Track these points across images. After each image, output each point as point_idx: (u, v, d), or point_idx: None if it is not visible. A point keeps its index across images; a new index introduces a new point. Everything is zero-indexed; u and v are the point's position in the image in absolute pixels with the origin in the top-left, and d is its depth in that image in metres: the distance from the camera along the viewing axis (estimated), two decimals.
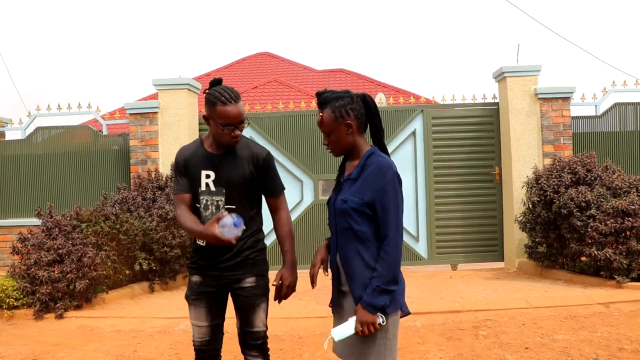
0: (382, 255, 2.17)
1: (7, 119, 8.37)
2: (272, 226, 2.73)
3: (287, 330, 4.75)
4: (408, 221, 7.43)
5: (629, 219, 5.56)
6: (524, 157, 7.17)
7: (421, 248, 7.60)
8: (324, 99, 2.31)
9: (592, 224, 5.70)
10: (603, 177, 6.15)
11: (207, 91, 2.54)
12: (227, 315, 2.73)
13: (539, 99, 7.24)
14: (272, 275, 2.59)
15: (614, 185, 5.96)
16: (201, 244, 2.59)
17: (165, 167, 7.34)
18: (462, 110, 7.73)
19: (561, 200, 6.01)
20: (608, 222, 5.61)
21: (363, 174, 2.25)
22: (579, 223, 5.80)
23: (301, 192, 7.69)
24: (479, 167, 7.59)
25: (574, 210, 5.86)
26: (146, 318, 5.31)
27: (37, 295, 5.41)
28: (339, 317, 2.34)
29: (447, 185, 7.58)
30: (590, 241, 5.79)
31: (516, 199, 7.06)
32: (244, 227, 2.45)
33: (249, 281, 2.61)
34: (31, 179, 8.03)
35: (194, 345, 2.71)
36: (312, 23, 42.05)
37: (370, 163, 2.26)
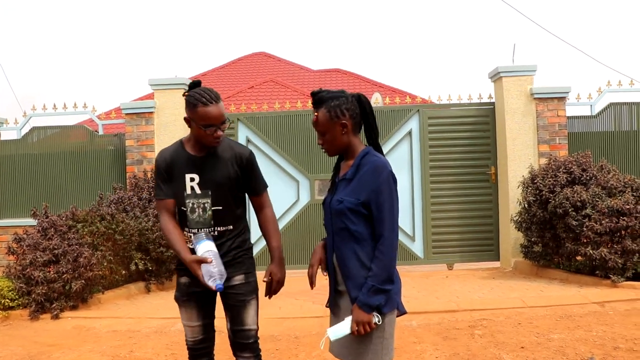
0: (377, 254, 2.18)
1: (2, 119, 8.34)
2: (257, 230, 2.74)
3: (283, 330, 4.75)
4: (404, 221, 7.44)
5: (624, 218, 5.58)
6: (520, 157, 7.19)
7: (417, 248, 7.61)
8: (319, 98, 2.31)
9: (587, 224, 5.72)
10: (598, 177, 6.17)
11: (186, 94, 2.54)
12: (219, 316, 2.72)
13: (534, 98, 7.26)
14: (259, 275, 2.61)
15: (609, 184, 5.98)
16: (190, 246, 2.59)
17: None
18: (458, 110, 7.75)
19: (557, 199, 6.03)
20: (603, 222, 5.63)
21: (358, 173, 2.26)
22: (574, 222, 5.82)
23: (297, 192, 7.69)
24: (474, 167, 7.60)
25: (570, 210, 5.88)
26: (142, 318, 5.30)
27: (33, 295, 5.39)
28: (336, 317, 2.34)
29: (443, 185, 7.60)
30: (585, 240, 5.82)
31: (512, 198, 7.08)
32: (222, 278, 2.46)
33: (238, 279, 2.61)
34: (27, 179, 8.00)
35: (187, 345, 2.73)
36: (309, 23, 42.05)
37: (365, 163, 2.26)
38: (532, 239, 6.47)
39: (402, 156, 7.64)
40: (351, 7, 41.95)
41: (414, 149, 7.64)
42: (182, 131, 7.42)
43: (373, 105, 2.41)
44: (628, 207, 5.60)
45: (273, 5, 40.76)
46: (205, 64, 41.76)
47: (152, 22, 41.91)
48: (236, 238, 2.63)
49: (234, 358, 2.69)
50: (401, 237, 7.29)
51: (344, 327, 2.18)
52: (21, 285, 5.47)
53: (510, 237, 7.11)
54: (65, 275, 5.42)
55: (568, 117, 7.40)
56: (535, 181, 6.42)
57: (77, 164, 7.91)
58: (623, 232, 5.65)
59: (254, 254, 2.79)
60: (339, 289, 2.32)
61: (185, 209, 2.58)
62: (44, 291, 5.38)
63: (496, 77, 7.47)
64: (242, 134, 7.73)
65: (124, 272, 6.40)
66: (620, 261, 5.56)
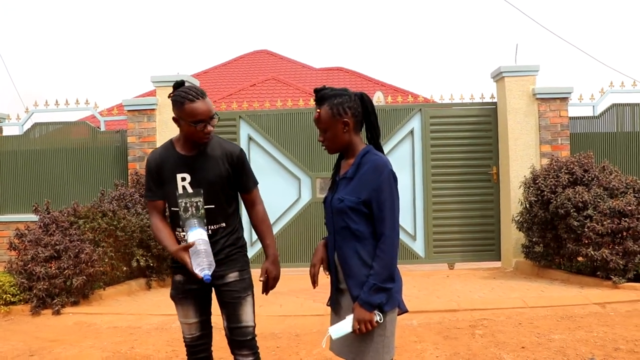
0: (379, 253, 2.18)
1: (4, 115, 8.35)
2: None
3: (284, 328, 4.76)
4: (405, 220, 7.44)
5: (626, 219, 5.58)
6: (522, 157, 7.19)
7: (418, 247, 7.61)
8: (322, 95, 2.31)
9: (589, 224, 5.71)
10: (600, 178, 6.17)
11: (172, 94, 2.54)
12: (217, 313, 2.72)
13: (537, 99, 7.25)
14: (255, 273, 2.62)
15: (611, 185, 5.97)
16: (184, 243, 2.59)
17: None
18: (460, 109, 7.74)
19: (558, 200, 6.02)
20: (605, 223, 5.63)
21: (359, 172, 2.26)
22: (575, 223, 5.82)
23: (299, 190, 7.69)
24: (476, 167, 7.60)
25: (571, 211, 5.88)
26: (143, 315, 5.31)
27: (34, 291, 5.40)
28: (337, 315, 2.34)
29: (445, 185, 7.60)
30: (587, 241, 5.81)
31: (513, 198, 7.08)
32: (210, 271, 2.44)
33: (233, 276, 2.61)
34: (29, 175, 8.01)
35: (184, 342, 2.73)
36: (311, 21, 42.03)
37: (365, 161, 2.26)
38: (534, 239, 6.47)
39: (404, 155, 7.64)
40: (354, 5, 41.92)
41: (416, 148, 7.64)
42: None
43: (375, 104, 2.41)
44: (630, 208, 5.60)
45: (276, 3, 40.75)
46: (207, 61, 41.76)
47: (155, 19, 41.91)
48: (230, 236, 2.63)
49: (232, 356, 2.68)
50: (402, 237, 7.29)
51: (346, 325, 2.19)
52: (23, 280, 5.48)
53: (512, 237, 7.11)
54: (66, 271, 5.43)
55: (570, 117, 7.39)
56: (537, 181, 6.42)
57: (79, 160, 7.92)
58: (624, 233, 5.64)
59: (252, 255, 2.80)
60: (340, 288, 2.32)
61: (177, 209, 2.57)
62: (45, 287, 5.39)
63: (498, 77, 7.46)
64: (244, 132, 7.73)
65: (125, 268, 6.41)
66: (621, 262, 5.56)
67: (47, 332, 4.90)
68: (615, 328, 4.41)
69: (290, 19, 41.47)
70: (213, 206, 2.57)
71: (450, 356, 3.96)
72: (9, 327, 5.10)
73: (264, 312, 5.07)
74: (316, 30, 41.11)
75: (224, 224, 2.61)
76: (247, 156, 8.00)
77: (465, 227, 7.58)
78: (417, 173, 7.62)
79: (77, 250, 5.55)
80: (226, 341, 2.67)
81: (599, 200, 5.86)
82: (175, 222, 2.61)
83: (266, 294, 2.66)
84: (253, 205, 2.72)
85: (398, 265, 2.26)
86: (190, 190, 2.56)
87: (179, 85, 2.55)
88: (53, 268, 5.46)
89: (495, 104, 7.64)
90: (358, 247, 2.23)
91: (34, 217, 6.31)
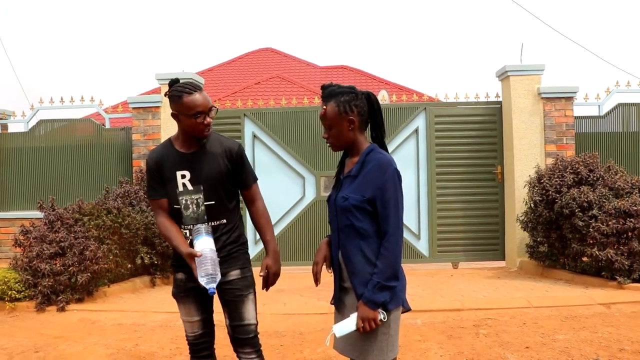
0: (383, 251, 2.18)
1: (10, 112, 8.38)
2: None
3: (288, 326, 4.76)
4: (409, 219, 7.43)
5: (631, 219, 5.55)
6: (527, 157, 7.17)
7: (422, 246, 7.60)
8: (329, 92, 2.31)
9: (593, 225, 5.69)
10: (605, 178, 6.14)
11: (169, 92, 2.55)
12: (219, 311, 2.72)
13: (542, 98, 7.23)
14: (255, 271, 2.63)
15: (616, 185, 5.95)
16: (193, 250, 2.59)
17: None
18: (465, 108, 7.72)
19: (563, 200, 6.00)
20: (610, 223, 5.61)
21: (363, 170, 2.26)
22: (580, 223, 5.80)
23: (303, 188, 7.69)
24: (481, 166, 7.59)
25: (576, 211, 5.86)
26: (147, 312, 5.32)
27: (39, 287, 5.42)
28: (341, 313, 2.35)
29: (449, 184, 7.59)
30: (591, 241, 5.79)
31: (518, 198, 7.06)
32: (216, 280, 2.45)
33: (234, 274, 2.61)
34: (34, 171, 8.04)
35: (187, 340, 2.73)
36: (316, 19, 42.00)
37: (370, 160, 2.26)
38: (538, 239, 6.45)
39: (409, 154, 7.63)
40: (358, 3, 41.87)
41: (421, 147, 7.63)
42: None
43: (380, 102, 2.41)
44: (635, 208, 5.57)
45: (280, 1, 40.73)
46: (211, 59, 41.76)
47: (160, 17, 41.96)
48: (231, 233, 2.64)
49: (235, 354, 2.68)
50: (406, 235, 7.28)
51: (350, 323, 2.19)
52: (28, 277, 5.50)
53: (516, 236, 7.09)
54: (71, 268, 5.45)
55: (576, 117, 7.37)
56: (542, 181, 6.40)
57: (83, 157, 7.95)
58: (630, 234, 5.61)
59: (256, 253, 2.80)
60: (344, 286, 2.32)
61: (178, 206, 2.58)
62: (50, 283, 5.41)
63: (504, 76, 7.44)
64: (249, 130, 7.73)
65: (129, 265, 6.42)
66: (626, 262, 5.54)
67: (52, 328, 4.92)
68: (620, 329, 4.39)
69: (295, 17, 41.48)
70: (213, 202, 2.57)
71: (454, 355, 3.96)
72: (14, 324, 5.12)
73: (268, 311, 5.08)
74: (321, 28, 41.10)
75: (224, 220, 2.62)
76: (252, 154, 8.05)
77: (470, 227, 7.57)
78: (422, 172, 7.61)
79: (81, 247, 5.57)
80: (228, 338, 2.67)
81: (604, 200, 5.84)
82: (178, 220, 2.61)
83: (266, 289, 2.65)
84: (253, 201, 2.73)
85: (402, 264, 2.26)
86: (190, 187, 2.57)
87: (174, 82, 2.57)
88: (58, 265, 5.48)
89: (500, 103, 7.63)
90: (362, 245, 2.23)
91: (39, 214, 6.33)
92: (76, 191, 7.77)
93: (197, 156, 2.58)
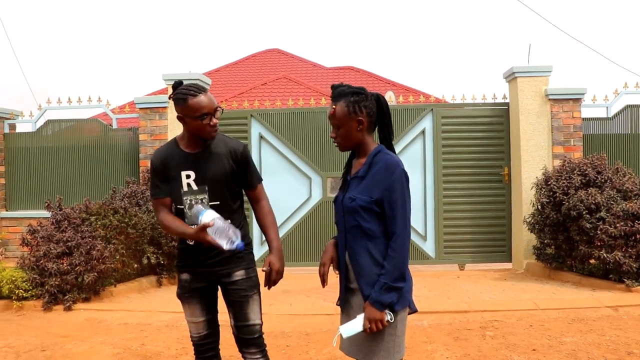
0: (390, 252, 2.18)
1: (17, 112, 8.43)
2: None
3: (294, 327, 4.76)
4: (416, 220, 7.42)
5: (639, 222, 5.52)
6: (534, 158, 7.14)
7: (429, 247, 7.58)
8: (339, 92, 2.31)
9: (601, 227, 5.66)
10: (613, 180, 6.11)
11: (173, 95, 2.55)
12: (223, 311, 2.72)
13: (549, 99, 7.20)
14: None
15: (624, 187, 5.92)
16: (190, 243, 2.60)
17: None
18: (472, 110, 7.70)
19: (570, 202, 5.97)
20: (618, 225, 5.57)
21: (371, 171, 2.26)
22: (588, 225, 5.77)
23: (309, 189, 7.69)
24: (488, 167, 7.56)
25: (584, 213, 5.83)
26: (153, 312, 5.33)
27: (46, 287, 5.45)
28: (347, 314, 2.34)
29: (456, 185, 7.56)
30: (599, 244, 5.76)
31: (525, 199, 7.03)
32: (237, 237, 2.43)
33: (239, 274, 2.62)
34: (41, 171, 8.08)
35: (192, 341, 2.74)
36: (322, 20, 42.01)
37: (377, 161, 2.26)
38: (545, 241, 6.43)
39: (415, 155, 7.61)
40: (365, 4, 41.85)
41: (427, 148, 7.61)
42: None
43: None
44: None
45: (287, 2, 40.77)
46: (218, 60, 41.86)
47: (167, 18, 42.09)
48: None
49: (240, 354, 2.69)
50: (413, 237, 7.26)
51: (357, 324, 2.19)
52: (35, 276, 5.53)
53: (523, 238, 7.06)
54: (78, 268, 5.47)
55: (583, 118, 7.33)
56: (549, 183, 6.37)
57: (90, 157, 7.98)
58: (638, 236, 5.57)
59: (262, 254, 2.80)
60: (350, 287, 2.32)
61: (182, 206, 2.58)
62: (57, 283, 5.43)
63: (511, 77, 7.42)
64: (255, 131, 7.74)
65: (136, 265, 6.44)
66: (634, 265, 5.50)
67: (59, 327, 4.94)
68: (629, 332, 4.37)
69: (301, 18, 41.50)
70: (218, 203, 2.58)
71: (460, 357, 3.95)
72: (22, 322, 5.15)
73: (274, 311, 5.08)
74: (327, 29, 41.12)
75: (229, 221, 2.62)
76: (258, 155, 8.05)
77: (476, 228, 7.54)
78: (428, 173, 7.59)
79: (88, 247, 5.59)
80: (233, 339, 2.67)
81: (612, 202, 5.80)
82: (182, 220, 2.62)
83: (268, 288, 2.63)
84: (258, 201, 2.73)
85: (408, 265, 2.26)
86: (195, 187, 2.57)
87: (178, 85, 2.57)
88: (65, 264, 5.50)
89: (507, 104, 7.60)
90: (369, 245, 2.23)
91: (46, 214, 6.36)
92: (83, 191, 7.80)
93: (202, 156, 2.59)
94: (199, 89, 2.52)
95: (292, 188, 7.62)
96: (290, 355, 4.10)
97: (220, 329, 2.79)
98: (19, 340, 4.57)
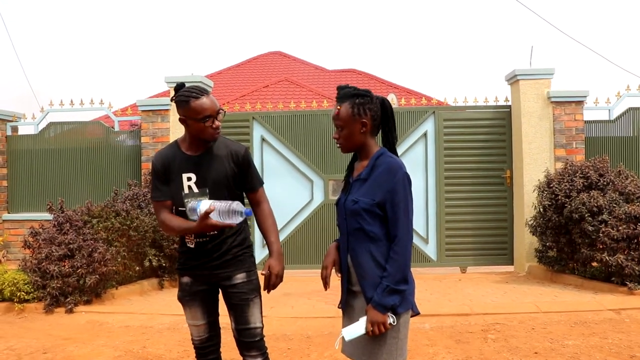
0: (392, 255, 2.18)
1: (20, 114, 8.45)
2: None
3: (296, 329, 4.75)
4: (418, 223, 7.40)
5: None
6: (536, 161, 7.13)
7: (430, 250, 7.57)
8: (344, 93, 2.32)
9: (603, 229, 5.65)
10: (616, 182, 6.10)
11: (175, 97, 2.55)
12: (225, 314, 2.72)
13: (551, 102, 7.19)
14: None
15: (626, 190, 5.91)
16: (190, 245, 2.60)
17: None
18: (474, 112, 7.70)
19: (573, 204, 5.96)
20: (620, 228, 5.56)
21: (373, 174, 2.26)
22: (590, 228, 5.76)
23: (311, 191, 7.69)
24: (490, 170, 7.55)
25: (586, 215, 5.82)
26: (155, 314, 5.33)
27: (48, 289, 5.45)
28: (349, 317, 2.34)
29: (458, 188, 7.56)
30: (601, 246, 5.75)
31: (527, 202, 7.02)
32: (240, 217, 2.42)
33: (240, 277, 2.61)
34: (43, 173, 8.09)
35: (193, 344, 2.74)
36: (324, 23, 42.06)
37: (380, 163, 2.26)
38: (547, 244, 6.41)
39: (417, 158, 7.61)
40: (367, 7, 41.89)
41: (429, 150, 7.61)
42: None
43: None
44: None
45: (289, 5, 40.83)
46: (220, 62, 41.95)
47: (169, 20, 42.18)
48: (237, 236, 2.63)
49: (241, 357, 2.68)
50: (415, 239, 7.25)
51: (359, 327, 2.18)
52: (36, 278, 5.53)
53: (525, 241, 7.05)
54: (79, 270, 5.47)
55: (585, 121, 7.32)
56: (551, 185, 6.36)
57: (92, 159, 7.99)
58: None
59: (263, 257, 2.79)
60: (352, 290, 2.32)
61: (183, 209, 2.58)
62: (58, 285, 5.43)
63: (513, 79, 7.41)
64: (257, 133, 7.74)
65: (137, 268, 6.45)
66: (637, 268, 5.49)
67: (60, 330, 4.94)
68: (631, 335, 4.35)
69: (304, 20, 41.56)
70: None
71: None
72: (23, 325, 5.15)
73: (276, 314, 5.08)
74: (329, 32, 41.16)
75: (225, 200, 2.61)
76: (260, 157, 8.06)
77: (478, 231, 7.53)
78: (430, 176, 7.58)
79: (90, 250, 5.59)
80: (234, 342, 2.67)
81: (615, 205, 5.79)
82: None
83: (268, 291, 2.61)
84: (259, 203, 2.73)
85: (410, 268, 2.25)
86: (196, 189, 2.57)
87: (180, 87, 2.57)
88: (66, 267, 5.50)
89: (509, 107, 7.59)
90: (372, 248, 2.23)
91: (48, 216, 6.36)
92: (85, 193, 7.81)
93: (203, 159, 2.59)
94: (201, 92, 2.51)
95: (293, 190, 7.62)
96: (292, 358, 4.09)
97: (221, 332, 2.79)
98: (21, 342, 4.57)
